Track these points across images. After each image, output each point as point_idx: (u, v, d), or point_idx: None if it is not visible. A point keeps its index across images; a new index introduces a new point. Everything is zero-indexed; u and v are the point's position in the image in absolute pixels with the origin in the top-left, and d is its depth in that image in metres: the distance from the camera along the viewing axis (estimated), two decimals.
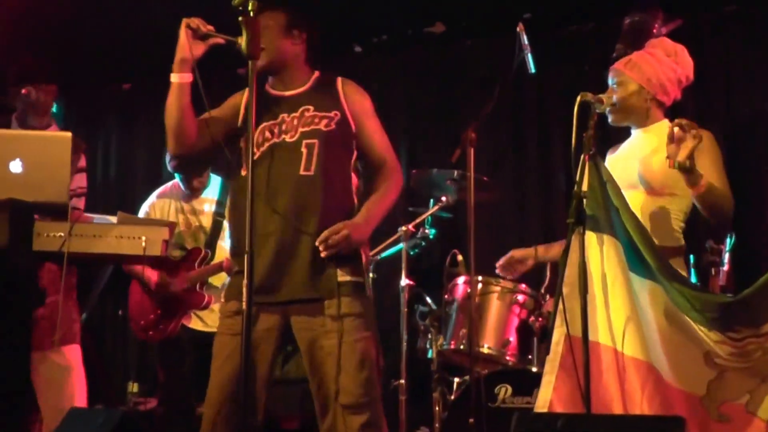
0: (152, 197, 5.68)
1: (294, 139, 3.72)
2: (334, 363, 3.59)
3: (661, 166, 3.89)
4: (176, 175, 5.58)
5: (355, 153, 3.82)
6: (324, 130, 3.74)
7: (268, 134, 3.74)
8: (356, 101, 3.84)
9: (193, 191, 5.58)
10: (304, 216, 3.65)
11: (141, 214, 5.60)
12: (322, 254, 3.59)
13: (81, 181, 4.53)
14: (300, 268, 3.64)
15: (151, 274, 5.38)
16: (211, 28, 3.60)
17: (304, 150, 3.70)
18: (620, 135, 4.20)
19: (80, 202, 4.52)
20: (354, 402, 3.58)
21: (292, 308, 3.67)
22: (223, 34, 3.56)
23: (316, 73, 3.90)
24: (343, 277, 3.66)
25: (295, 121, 3.75)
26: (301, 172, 3.69)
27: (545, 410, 3.56)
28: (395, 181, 3.84)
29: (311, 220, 3.65)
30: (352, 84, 3.90)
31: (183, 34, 3.58)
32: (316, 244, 3.60)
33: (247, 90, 3.70)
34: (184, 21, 3.59)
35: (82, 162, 4.55)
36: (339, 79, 3.89)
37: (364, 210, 3.75)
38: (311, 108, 3.77)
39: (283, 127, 3.74)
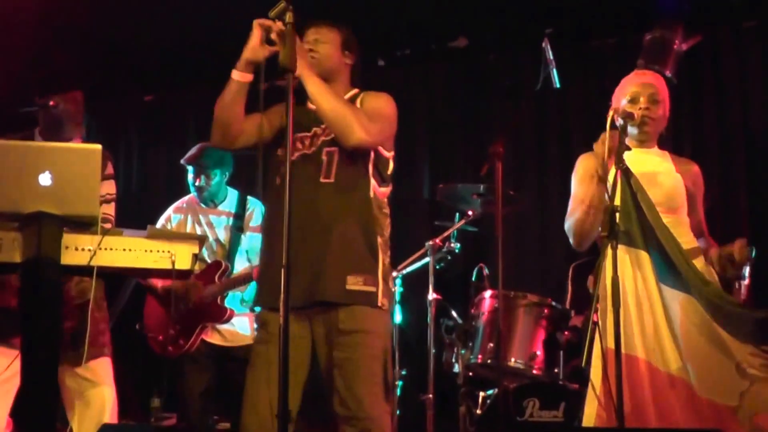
0: (168, 211, 5.65)
1: (315, 148, 3.78)
2: (339, 375, 3.64)
3: (672, 188, 4.01)
4: (190, 186, 5.53)
5: (373, 155, 3.81)
6: None
7: (299, 145, 3.80)
8: (367, 100, 3.86)
9: (201, 191, 5.49)
10: (322, 222, 3.68)
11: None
12: None
13: (110, 187, 4.47)
14: (314, 273, 3.65)
15: (158, 281, 5.35)
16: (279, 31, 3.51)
17: (324, 158, 3.75)
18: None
19: (110, 208, 4.46)
20: (350, 415, 3.62)
21: (312, 314, 3.68)
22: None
23: (354, 91, 3.93)
24: (353, 285, 3.66)
25: (320, 132, 3.79)
26: (321, 180, 3.73)
27: (591, 425, 3.56)
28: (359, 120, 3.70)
29: (329, 226, 3.68)
30: (371, 93, 3.92)
31: (256, 34, 3.58)
32: None
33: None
34: (258, 21, 3.56)
35: (110, 169, 4.49)
36: (363, 93, 3.92)
37: None
38: None
39: (315, 139, 3.80)
